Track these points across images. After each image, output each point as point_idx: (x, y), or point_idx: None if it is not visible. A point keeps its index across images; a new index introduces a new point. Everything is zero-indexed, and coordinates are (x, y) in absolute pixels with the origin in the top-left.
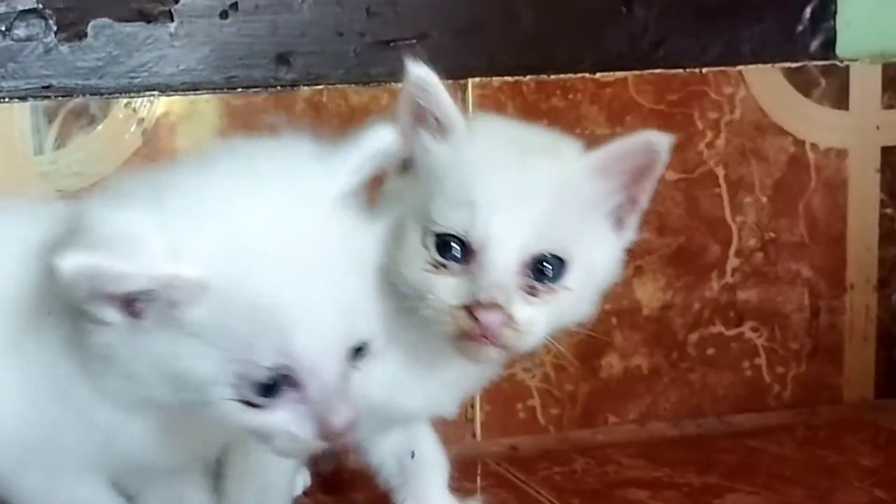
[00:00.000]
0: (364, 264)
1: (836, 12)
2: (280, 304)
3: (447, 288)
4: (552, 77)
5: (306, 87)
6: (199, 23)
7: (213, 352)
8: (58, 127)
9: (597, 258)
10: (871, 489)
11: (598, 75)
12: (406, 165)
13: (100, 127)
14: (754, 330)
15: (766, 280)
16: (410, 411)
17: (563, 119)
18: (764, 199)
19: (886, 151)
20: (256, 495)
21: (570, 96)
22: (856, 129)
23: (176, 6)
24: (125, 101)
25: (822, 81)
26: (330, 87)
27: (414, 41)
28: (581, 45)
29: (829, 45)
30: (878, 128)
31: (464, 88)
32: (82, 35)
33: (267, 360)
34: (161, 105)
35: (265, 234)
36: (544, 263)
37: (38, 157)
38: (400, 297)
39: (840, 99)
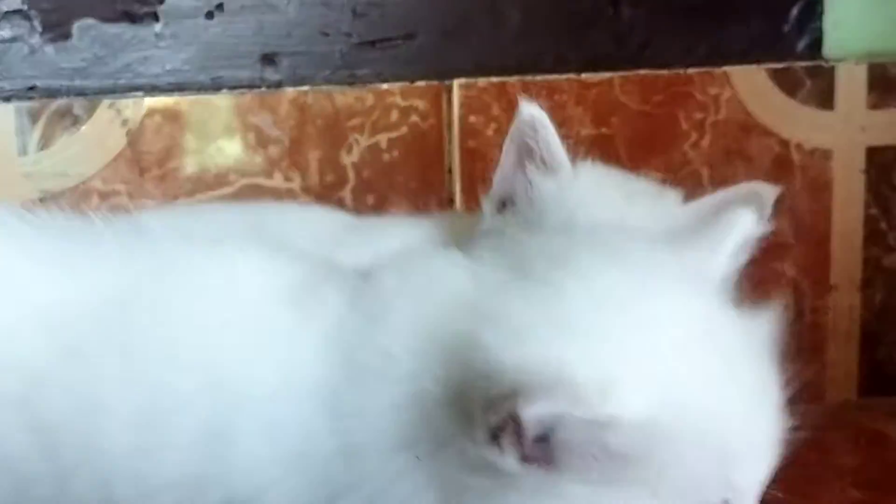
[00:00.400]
0: (770, 363)
1: (822, 13)
2: (729, 432)
3: None
4: (538, 78)
5: (291, 89)
6: (185, 23)
7: (653, 500)
8: (42, 127)
9: None
10: (848, 488)
11: (583, 76)
12: (504, 203)
13: (84, 127)
14: None
15: (750, 280)
16: None
17: None
18: None
19: (872, 152)
20: None
21: (556, 97)
22: (841, 129)
23: (161, 7)
24: (110, 101)
25: (808, 82)
26: (315, 88)
27: (400, 42)
28: (567, 46)
29: (816, 46)
30: (863, 128)
31: (449, 89)
32: (67, 36)
33: (715, 497)
34: (146, 106)
35: (692, 348)
36: None
37: (22, 158)
38: None
39: (825, 99)
